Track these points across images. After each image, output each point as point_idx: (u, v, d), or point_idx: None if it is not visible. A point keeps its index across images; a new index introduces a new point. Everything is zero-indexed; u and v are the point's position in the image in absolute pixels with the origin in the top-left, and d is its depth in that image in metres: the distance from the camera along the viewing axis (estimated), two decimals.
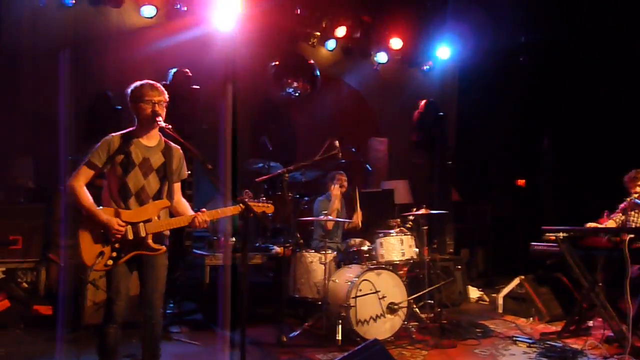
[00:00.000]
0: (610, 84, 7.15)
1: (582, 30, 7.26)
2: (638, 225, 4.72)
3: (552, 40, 7.56)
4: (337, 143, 4.57)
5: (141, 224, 2.94)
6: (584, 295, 4.52)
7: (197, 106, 5.66)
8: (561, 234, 4.60)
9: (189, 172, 5.54)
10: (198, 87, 5.61)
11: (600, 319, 4.52)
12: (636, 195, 4.55)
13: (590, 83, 7.36)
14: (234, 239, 5.62)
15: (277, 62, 7.34)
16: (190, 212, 3.12)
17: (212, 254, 5.35)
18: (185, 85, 5.58)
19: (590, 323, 4.86)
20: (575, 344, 4.42)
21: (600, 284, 4.36)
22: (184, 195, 3.34)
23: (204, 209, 3.08)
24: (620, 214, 4.80)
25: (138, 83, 3.06)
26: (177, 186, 3.20)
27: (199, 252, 5.53)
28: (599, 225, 4.82)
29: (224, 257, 5.32)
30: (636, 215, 4.71)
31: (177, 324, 4.92)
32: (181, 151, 3.21)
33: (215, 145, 6.03)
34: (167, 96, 3.07)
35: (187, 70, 5.60)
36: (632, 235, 4.15)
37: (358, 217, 5.52)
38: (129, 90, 3.05)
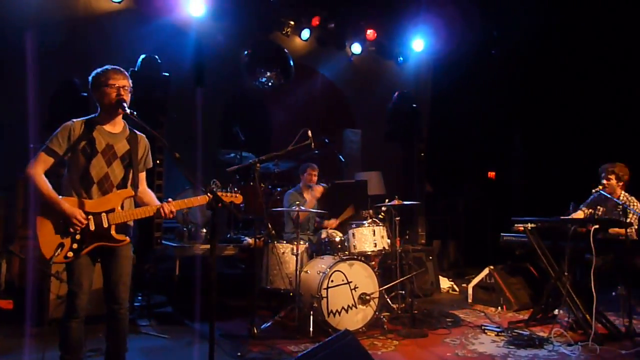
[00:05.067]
0: (580, 79, 7.29)
1: (553, 25, 7.37)
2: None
3: (524, 35, 7.66)
4: (310, 133, 4.51)
5: (104, 214, 2.82)
6: (551, 284, 4.60)
7: (167, 94, 5.51)
8: (529, 225, 4.67)
9: (159, 161, 5.48)
10: (168, 74, 5.45)
11: (565, 308, 4.60)
12: (600, 188, 4.63)
13: (560, 77, 7.50)
14: (204, 230, 5.54)
15: (250, 51, 7.20)
16: (157, 202, 3.02)
17: (182, 246, 5.25)
18: (154, 72, 5.43)
19: (556, 311, 4.95)
20: (541, 331, 4.49)
21: (567, 274, 4.44)
22: (154, 185, 3.23)
23: (170, 199, 2.98)
24: (588, 207, 4.89)
25: (100, 69, 2.93)
26: (143, 175, 3.09)
27: (168, 243, 5.43)
28: (566, 217, 4.90)
29: (195, 248, 5.23)
30: (602, 208, 4.80)
31: (145, 317, 4.81)
32: (147, 139, 3.10)
33: (186, 135, 5.91)
34: (131, 81, 2.95)
35: (156, 57, 5.45)
36: (597, 226, 4.24)
37: (335, 223, 5.57)
38: (91, 76, 2.92)
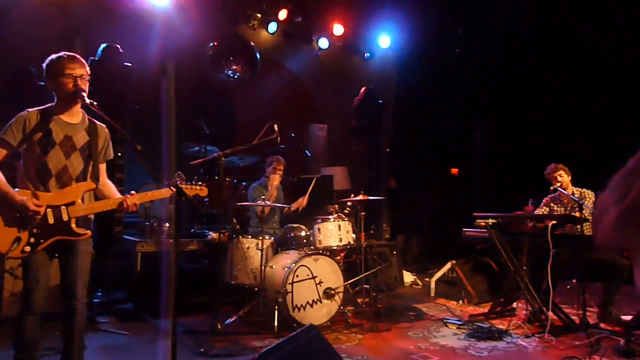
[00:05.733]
0: (541, 78, 7.51)
1: (515, 24, 7.55)
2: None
3: (487, 34, 7.83)
4: (276, 127, 4.48)
5: (63, 207, 2.72)
6: (510, 278, 4.74)
7: (129, 85, 5.37)
8: (490, 220, 4.79)
9: (120, 154, 5.34)
10: (130, 64, 5.31)
11: (523, 301, 4.76)
12: (557, 185, 4.80)
13: (521, 76, 7.71)
14: (167, 224, 5.43)
15: (215, 43, 7.09)
16: (118, 195, 2.93)
17: (143, 240, 5.15)
18: (116, 62, 5.29)
19: (515, 304, 5.11)
20: (500, 324, 4.63)
21: (525, 268, 4.58)
22: (115, 179, 3.13)
23: (133, 192, 2.90)
24: (544, 207, 5.05)
25: (54, 56, 2.80)
26: (103, 167, 3.00)
27: (129, 238, 5.32)
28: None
29: (157, 243, 5.13)
30: (558, 208, 4.97)
31: (105, 313, 4.70)
32: (107, 130, 3.00)
33: (148, 127, 5.76)
34: (89, 69, 2.85)
35: (118, 46, 5.29)
36: (554, 222, 4.39)
37: (304, 200, 5.54)
38: (45, 64, 2.79)
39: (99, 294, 5.04)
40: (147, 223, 5.45)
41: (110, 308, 4.84)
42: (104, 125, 2.99)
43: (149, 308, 4.75)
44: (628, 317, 4.50)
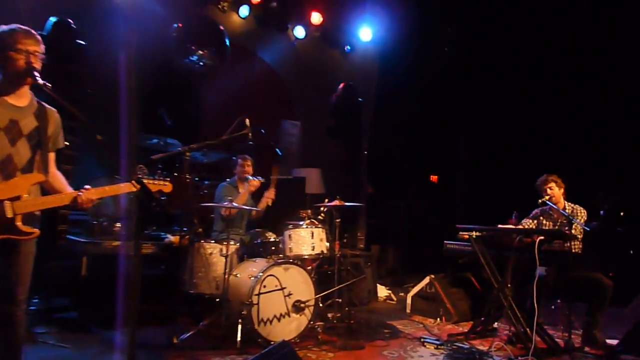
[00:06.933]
0: (532, 84, 7.71)
1: (507, 26, 7.74)
2: None
3: (479, 34, 7.98)
4: (248, 122, 4.45)
5: (7, 203, 2.61)
6: (493, 296, 4.83)
7: (82, 66, 5.24)
8: (474, 233, 4.87)
9: (69, 143, 5.18)
10: (84, 43, 5.17)
11: (505, 320, 4.86)
12: (547, 198, 4.91)
13: (512, 80, 7.89)
14: (118, 224, 5.32)
15: (181, 25, 6.98)
16: (69, 189, 2.84)
17: (91, 241, 5.02)
18: (67, 39, 5.17)
19: (496, 324, 5.22)
20: (481, 345, 4.71)
21: (510, 285, 4.68)
22: (61, 171, 3.03)
23: (88, 186, 2.81)
24: (531, 220, 5.17)
25: (5, 27, 2.70)
26: (52, 156, 2.90)
27: (75, 238, 5.21)
28: (513, 226, 5.16)
29: (106, 245, 5.00)
30: (546, 222, 5.10)
31: (44, 323, 4.53)
32: (58, 115, 2.91)
33: (102, 114, 5.61)
34: (43, 47, 2.75)
35: (70, 21, 5.14)
36: (542, 237, 4.49)
37: (271, 192, 5.45)
38: None
39: (36, 300, 4.86)
40: (95, 222, 5.33)
41: (50, 317, 4.70)
42: (55, 110, 2.90)
43: (95, 317, 4.63)
44: (614, 341, 4.65)
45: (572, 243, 4.59)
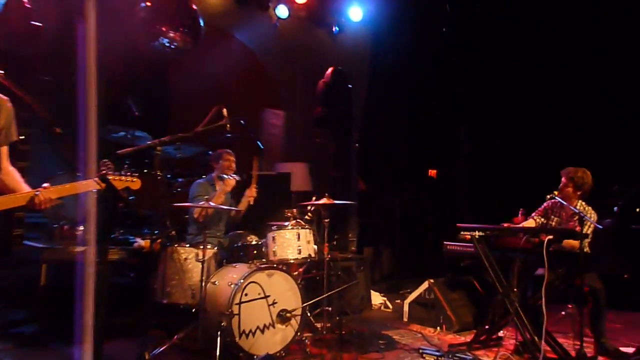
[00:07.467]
0: (540, 67, 7.75)
1: (514, 8, 7.76)
2: None
3: (480, 13, 8.00)
4: (225, 112, 4.44)
5: None
6: (498, 302, 4.87)
7: (38, 50, 5.20)
8: (477, 233, 4.91)
9: (23, 136, 5.13)
10: (40, 24, 5.13)
11: (511, 328, 4.90)
12: (556, 193, 4.95)
13: (518, 65, 7.93)
14: (81, 227, 5.29)
15: (148, 3, 6.92)
16: (26, 187, 2.82)
17: (51, 247, 5.01)
18: (21, 20, 5.10)
19: (501, 333, 5.27)
20: (485, 355, 4.77)
21: (516, 289, 4.72)
22: (15, 168, 3.00)
23: (47, 184, 2.79)
24: (541, 215, 5.20)
25: None
26: (5, 151, 2.88)
27: (32, 244, 5.20)
28: (518, 225, 5.21)
29: (68, 251, 4.97)
30: (555, 219, 5.14)
31: None
32: (10, 104, 2.88)
33: (62, 103, 5.57)
34: None
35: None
36: (551, 237, 4.53)
37: (252, 189, 5.46)
38: None
39: None
40: (55, 225, 5.30)
41: (5, 331, 4.71)
42: (7, 99, 2.87)
43: (56, 332, 4.63)
44: (629, 349, 4.72)
45: (583, 242, 4.63)
